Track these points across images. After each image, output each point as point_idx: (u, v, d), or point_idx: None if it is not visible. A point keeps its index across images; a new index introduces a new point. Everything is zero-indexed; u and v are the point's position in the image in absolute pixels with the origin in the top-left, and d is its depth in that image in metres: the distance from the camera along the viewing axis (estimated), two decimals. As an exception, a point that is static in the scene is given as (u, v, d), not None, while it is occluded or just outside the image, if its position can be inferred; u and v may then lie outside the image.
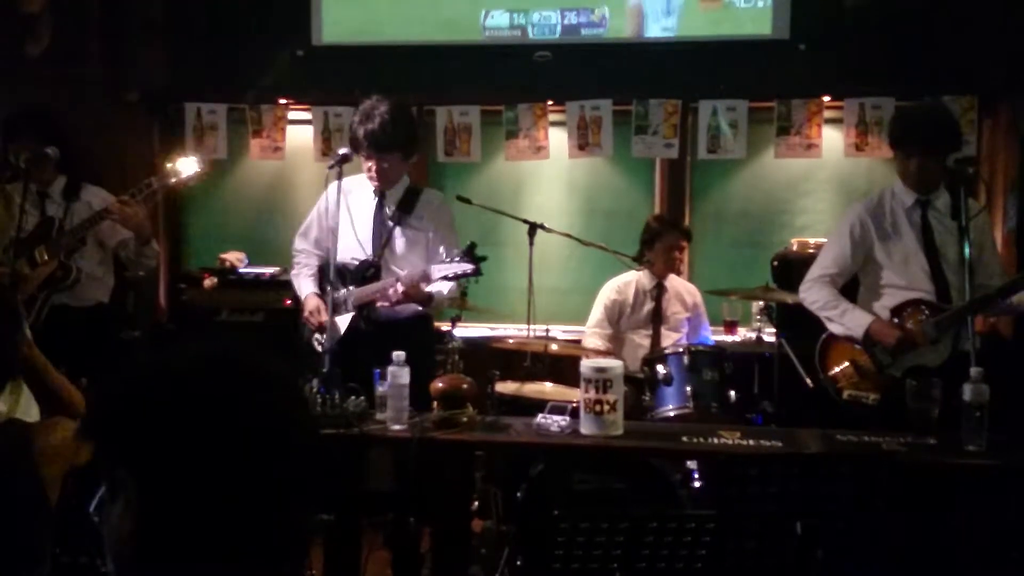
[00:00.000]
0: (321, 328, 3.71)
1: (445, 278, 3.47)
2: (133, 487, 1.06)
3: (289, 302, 4.89)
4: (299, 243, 3.95)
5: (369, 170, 3.71)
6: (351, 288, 3.71)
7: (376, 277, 3.71)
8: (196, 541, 1.06)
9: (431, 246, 3.77)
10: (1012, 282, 3.37)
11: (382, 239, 3.76)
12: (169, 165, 4.04)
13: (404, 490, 3.29)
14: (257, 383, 1.12)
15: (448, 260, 3.45)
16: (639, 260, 4.60)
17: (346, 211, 3.78)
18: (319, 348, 3.73)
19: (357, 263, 3.75)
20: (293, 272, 3.97)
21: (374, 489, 3.39)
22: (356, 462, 3.28)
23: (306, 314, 3.79)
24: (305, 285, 3.87)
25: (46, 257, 4.00)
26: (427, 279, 3.50)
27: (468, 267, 3.37)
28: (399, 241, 3.77)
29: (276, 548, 1.10)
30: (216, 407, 1.07)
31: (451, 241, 3.76)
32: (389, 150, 3.66)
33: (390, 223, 3.76)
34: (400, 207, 3.78)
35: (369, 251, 3.76)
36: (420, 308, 3.73)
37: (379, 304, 3.65)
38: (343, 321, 3.74)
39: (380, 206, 3.78)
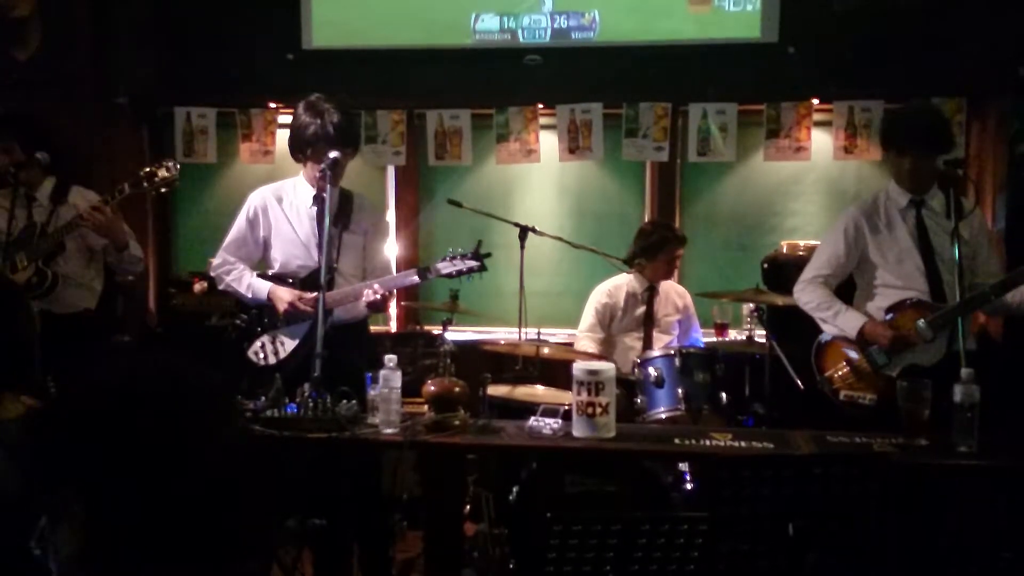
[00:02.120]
0: (297, 315, 3.59)
1: (450, 275, 3.51)
2: (79, 505, 1.07)
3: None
4: (226, 255, 3.77)
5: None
6: (307, 295, 3.61)
7: (332, 283, 3.58)
8: (144, 552, 1.06)
9: (368, 248, 3.75)
10: (1006, 279, 3.37)
11: (334, 245, 3.61)
12: (146, 170, 3.94)
13: (395, 493, 3.29)
14: (192, 398, 1.13)
15: (447, 259, 3.50)
16: (630, 263, 4.61)
17: (283, 218, 3.69)
18: (260, 362, 3.64)
19: (309, 270, 3.64)
20: (231, 279, 3.73)
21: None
22: (348, 466, 3.27)
23: (288, 304, 3.57)
24: (259, 283, 3.68)
25: (25, 263, 3.97)
26: (432, 273, 3.54)
27: (475, 263, 3.47)
28: (345, 246, 3.69)
29: (224, 558, 1.11)
30: (151, 422, 1.08)
31: (383, 245, 3.85)
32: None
33: (335, 229, 3.62)
34: (341, 212, 3.67)
35: (314, 257, 3.61)
36: (367, 311, 3.68)
37: (337, 309, 3.59)
38: (292, 335, 3.65)
39: (321, 212, 3.61)
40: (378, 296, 3.51)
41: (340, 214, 3.65)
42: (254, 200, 3.75)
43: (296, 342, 3.63)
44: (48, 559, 1.12)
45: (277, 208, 3.71)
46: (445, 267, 3.51)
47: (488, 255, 3.53)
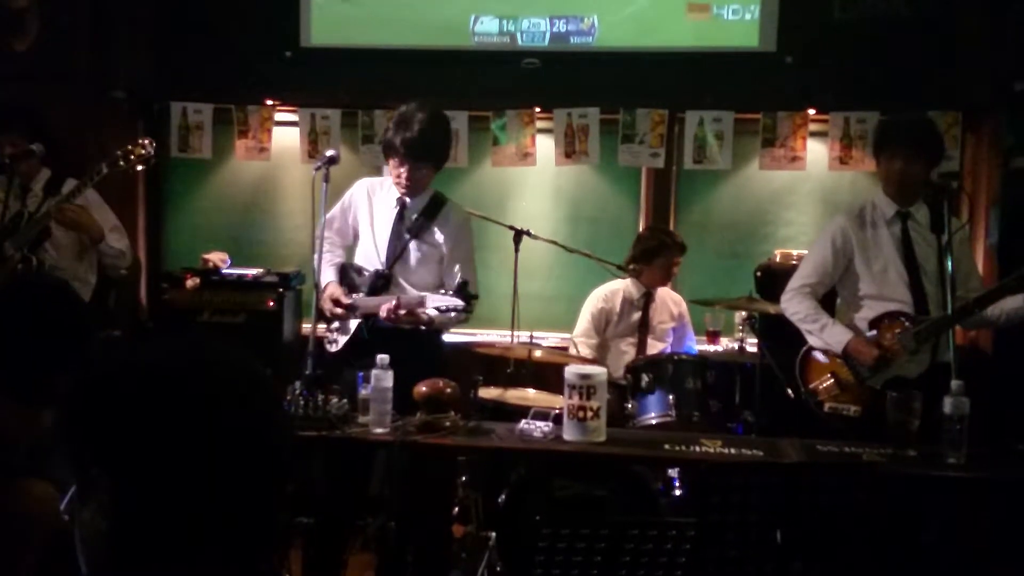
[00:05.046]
0: (334, 318, 3.70)
1: (437, 309, 3.45)
2: (107, 486, 1.05)
3: (272, 303, 4.88)
4: (327, 230, 3.82)
5: (399, 177, 3.62)
6: (360, 295, 3.68)
7: (385, 288, 3.66)
8: (170, 540, 1.05)
9: (446, 263, 3.72)
10: (989, 292, 3.40)
11: (396, 251, 3.68)
12: (120, 151, 3.98)
13: (386, 494, 3.28)
14: (234, 382, 1.12)
15: (447, 292, 3.47)
16: (625, 269, 4.60)
17: (368, 212, 3.75)
18: (331, 348, 3.75)
19: (370, 272, 3.70)
20: (318, 255, 3.77)
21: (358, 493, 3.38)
22: (338, 464, 3.27)
23: (324, 303, 3.65)
24: (326, 273, 3.73)
25: (11, 251, 3.96)
26: (422, 304, 3.48)
27: (459, 303, 3.39)
28: (413, 255, 3.70)
29: (250, 547, 1.10)
30: (193, 405, 1.07)
31: (467, 261, 3.74)
32: (424, 159, 3.60)
33: (407, 235, 3.67)
34: (420, 219, 3.70)
35: (383, 260, 3.69)
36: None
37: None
38: (352, 324, 3.72)
39: (400, 216, 3.70)
40: (391, 314, 3.47)
41: (419, 221, 3.69)
42: (357, 189, 3.82)
43: (347, 336, 3.74)
44: (74, 529, 1.10)
45: (369, 201, 3.77)
46: (436, 300, 3.45)
47: (475, 296, 3.47)
